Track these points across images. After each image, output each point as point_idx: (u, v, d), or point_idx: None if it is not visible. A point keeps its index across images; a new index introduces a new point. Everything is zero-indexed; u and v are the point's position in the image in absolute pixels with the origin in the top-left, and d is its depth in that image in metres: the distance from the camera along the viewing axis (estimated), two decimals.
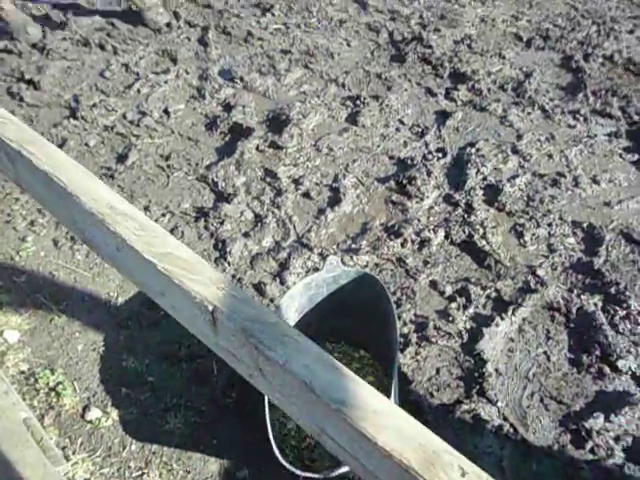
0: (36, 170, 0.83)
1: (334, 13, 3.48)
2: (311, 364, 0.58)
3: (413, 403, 1.80)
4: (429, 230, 2.28)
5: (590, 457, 1.71)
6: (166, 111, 2.82)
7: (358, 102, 2.86)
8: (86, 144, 2.64)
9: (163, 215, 2.33)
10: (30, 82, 2.93)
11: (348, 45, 3.26)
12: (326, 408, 0.55)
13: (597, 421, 1.77)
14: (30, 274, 2.11)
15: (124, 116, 2.78)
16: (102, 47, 3.22)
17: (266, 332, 0.62)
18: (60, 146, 2.61)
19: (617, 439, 1.75)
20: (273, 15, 3.45)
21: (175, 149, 2.63)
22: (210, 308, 0.65)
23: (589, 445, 1.73)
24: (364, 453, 0.55)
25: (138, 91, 2.93)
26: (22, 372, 1.83)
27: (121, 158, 2.58)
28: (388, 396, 1.44)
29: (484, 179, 2.51)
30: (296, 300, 1.72)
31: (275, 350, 0.60)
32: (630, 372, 1.89)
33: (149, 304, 2.02)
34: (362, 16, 3.50)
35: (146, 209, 2.34)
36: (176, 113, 2.83)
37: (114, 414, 1.76)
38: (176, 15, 3.32)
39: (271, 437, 1.41)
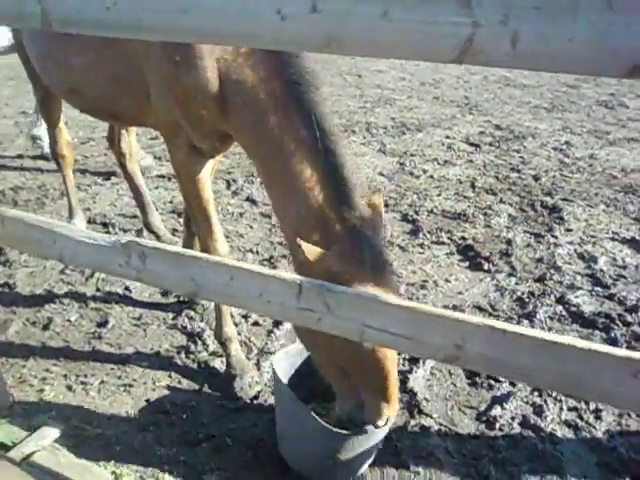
0: None
1: (234, 209, 4.62)
2: None
3: None
4: None
5: (500, 433, 2.55)
6: None
7: (272, 261, 3.86)
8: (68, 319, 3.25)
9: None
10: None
11: (251, 227, 4.35)
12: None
13: (497, 411, 2.65)
14: (56, 411, 2.59)
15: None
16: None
17: None
18: (46, 326, 3.20)
19: (512, 418, 2.62)
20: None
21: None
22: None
23: (497, 425, 2.58)
24: None
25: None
26: None
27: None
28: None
29: None
30: (283, 362, 2.46)
31: None
32: (507, 381, 2.84)
33: (164, 409, 2.60)
34: (255, 208, 4.67)
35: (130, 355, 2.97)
36: None
37: None
38: None
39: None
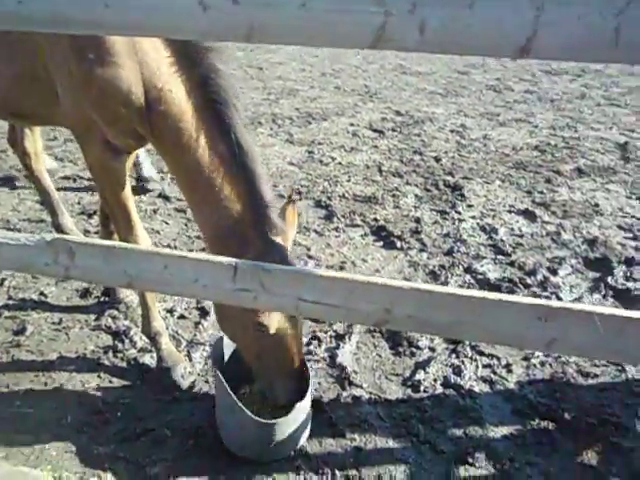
0: None
1: (147, 206, 4.55)
2: None
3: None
4: None
5: (425, 395, 2.75)
6: None
7: None
8: None
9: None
10: None
11: (167, 223, 4.31)
12: None
13: (420, 376, 2.84)
14: None
15: None
16: None
17: None
18: None
19: (435, 380, 2.83)
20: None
21: None
22: None
23: (422, 388, 2.78)
24: None
25: None
26: None
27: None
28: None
29: None
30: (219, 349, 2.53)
31: None
32: (427, 348, 3.05)
33: (97, 409, 2.57)
34: (168, 204, 4.62)
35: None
36: None
37: None
38: None
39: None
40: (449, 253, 3.96)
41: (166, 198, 4.73)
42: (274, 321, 2.15)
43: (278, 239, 2.22)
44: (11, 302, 3.35)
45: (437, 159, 5.69)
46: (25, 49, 2.36)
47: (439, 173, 5.35)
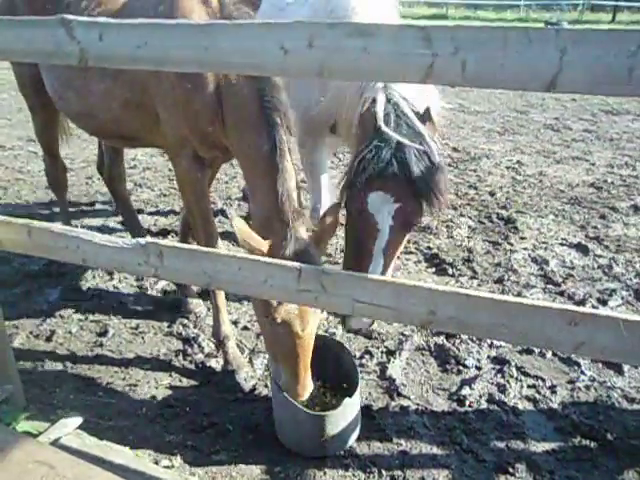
0: None
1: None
2: None
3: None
4: None
5: (470, 409, 2.90)
6: None
7: None
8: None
9: None
10: None
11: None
12: None
13: (466, 391, 3.00)
14: (70, 409, 2.81)
15: None
16: None
17: None
18: (49, 338, 3.42)
19: (480, 396, 2.98)
20: None
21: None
22: None
23: (467, 402, 2.93)
24: None
25: None
26: None
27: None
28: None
29: None
30: None
31: None
32: (474, 367, 3.20)
33: (169, 404, 2.86)
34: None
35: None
36: None
37: None
38: None
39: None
40: (499, 281, 4.10)
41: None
42: (281, 313, 2.39)
43: (302, 233, 2.48)
44: (96, 308, 3.74)
45: (492, 193, 5.85)
46: (134, 81, 2.82)
47: (493, 207, 5.51)
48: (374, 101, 2.60)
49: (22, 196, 5.69)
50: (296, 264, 1.97)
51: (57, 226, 2.33)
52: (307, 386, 2.55)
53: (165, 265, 2.16)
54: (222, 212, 5.27)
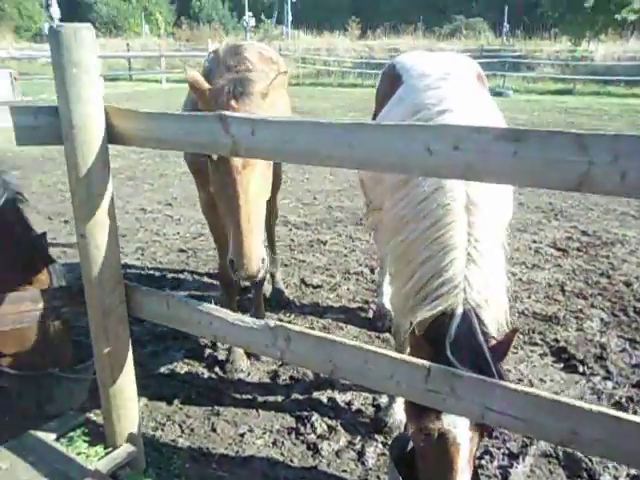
0: None
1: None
2: None
3: None
4: None
5: None
6: None
7: None
8: None
9: None
10: None
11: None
12: None
13: None
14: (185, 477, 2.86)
15: None
16: None
17: None
18: (170, 401, 3.55)
19: None
20: None
21: None
22: None
23: None
24: None
25: None
26: None
27: None
28: None
29: None
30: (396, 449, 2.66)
31: None
32: None
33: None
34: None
35: None
36: None
37: None
38: None
39: None
40: (638, 385, 3.71)
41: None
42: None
43: None
44: (215, 377, 3.85)
45: (627, 284, 5.41)
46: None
47: (629, 298, 5.08)
48: (444, 314, 2.18)
49: (157, 257, 6.11)
50: (426, 363, 1.90)
51: (193, 301, 2.45)
52: None
53: (291, 349, 2.18)
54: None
